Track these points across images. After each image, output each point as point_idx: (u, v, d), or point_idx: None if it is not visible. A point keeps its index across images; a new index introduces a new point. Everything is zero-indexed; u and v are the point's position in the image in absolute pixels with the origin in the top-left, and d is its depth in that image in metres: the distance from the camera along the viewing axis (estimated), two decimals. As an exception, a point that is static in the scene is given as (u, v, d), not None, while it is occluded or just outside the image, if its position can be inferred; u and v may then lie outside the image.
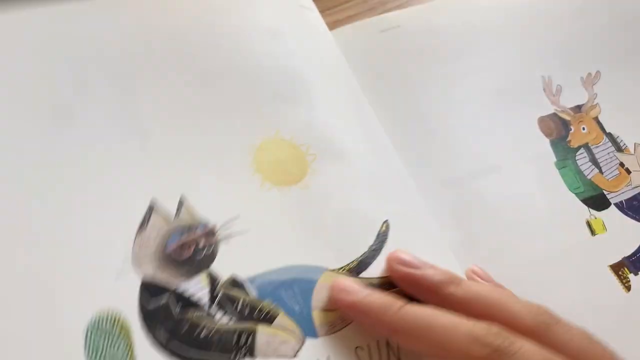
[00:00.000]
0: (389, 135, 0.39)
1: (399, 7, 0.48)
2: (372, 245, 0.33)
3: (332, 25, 0.45)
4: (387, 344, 0.31)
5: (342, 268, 0.33)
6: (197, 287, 0.30)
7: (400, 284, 0.31)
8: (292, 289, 0.32)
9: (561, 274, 0.37)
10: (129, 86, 0.35)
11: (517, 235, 0.38)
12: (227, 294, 0.31)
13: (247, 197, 0.34)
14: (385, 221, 0.34)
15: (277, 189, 0.34)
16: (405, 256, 0.31)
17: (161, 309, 0.29)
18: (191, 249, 0.31)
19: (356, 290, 0.30)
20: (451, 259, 0.35)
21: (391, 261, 0.32)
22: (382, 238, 0.34)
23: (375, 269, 0.33)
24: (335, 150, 0.36)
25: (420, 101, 0.42)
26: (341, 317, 0.31)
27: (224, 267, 0.31)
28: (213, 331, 0.29)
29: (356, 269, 0.33)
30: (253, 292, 0.31)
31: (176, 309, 0.30)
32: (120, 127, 0.34)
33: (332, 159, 0.36)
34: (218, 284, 0.31)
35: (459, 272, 0.35)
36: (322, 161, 0.35)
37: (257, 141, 0.35)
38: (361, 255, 0.33)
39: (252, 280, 0.31)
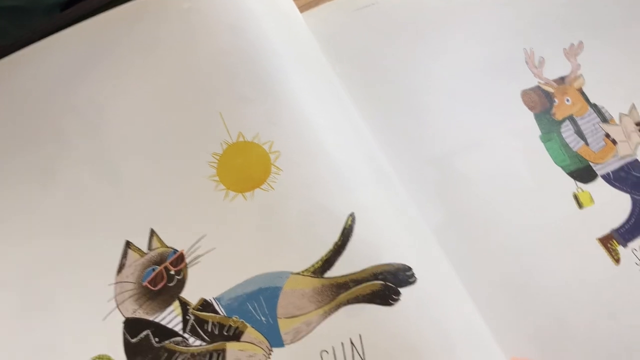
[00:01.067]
0: (367, 115, 0.38)
1: (376, -16, 0.47)
2: (337, 242, 0.33)
3: (309, 5, 0.44)
4: (352, 344, 0.31)
5: (307, 270, 0.32)
6: (171, 316, 0.32)
7: None
8: (258, 300, 0.32)
9: (549, 249, 0.36)
10: (98, 121, 0.36)
11: (503, 211, 0.37)
12: (198, 318, 0.32)
13: (213, 213, 0.34)
14: (351, 214, 0.33)
15: (241, 196, 0.34)
16: None
17: (142, 341, 0.32)
18: (164, 278, 0.33)
19: None
20: (431, 242, 0.35)
21: None
22: (347, 232, 0.33)
23: (341, 266, 0.32)
24: (300, 144, 0.35)
25: (400, 79, 0.41)
26: (306, 322, 0.31)
27: (193, 290, 0.32)
28: (188, 356, 0.31)
29: (321, 269, 0.32)
30: (221, 311, 0.32)
31: (155, 339, 0.32)
32: (94, 170, 0.35)
33: (297, 154, 0.35)
34: (189, 309, 0.32)
35: (440, 254, 0.34)
36: (286, 157, 0.34)
37: (221, 149, 0.35)
38: (326, 254, 0.32)
39: (219, 299, 0.32)
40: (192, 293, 0.32)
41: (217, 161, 0.35)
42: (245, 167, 0.34)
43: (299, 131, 0.35)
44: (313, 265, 0.32)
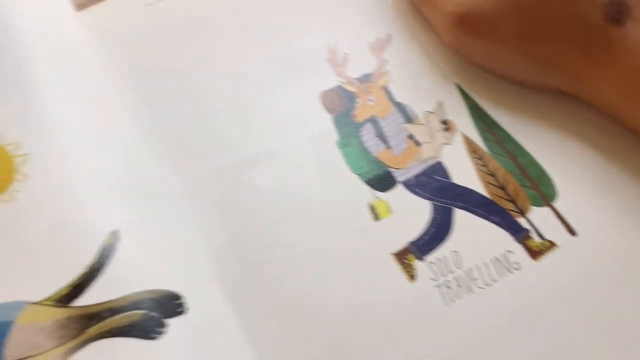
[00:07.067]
0: (143, 120, 0.34)
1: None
2: (92, 263, 0.28)
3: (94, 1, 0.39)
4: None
5: (48, 298, 0.28)
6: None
7: None
8: None
9: (338, 270, 0.32)
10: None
11: (293, 228, 0.33)
12: None
13: None
14: (114, 232, 0.29)
15: None
16: None
17: None
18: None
19: None
20: (206, 269, 0.31)
21: None
22: (106, 253, 0.29)
23: (97, 293, 0.28)
24: (55, 147, 0.31)
25: (187, 80, 0.37)
26: None
27: None
28: None
29: (68, 296, 0.28)
30: None
31: None
32: None
33: (50, 158, 0.30)
34: None
35: (215, 283, 0.30)
36: (36, 162, 0.30)
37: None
38: (77, 278, 0.28)
39: None
40: None
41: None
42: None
43: (52, 132, 0.31)
44: (58, 292, 0.28)
